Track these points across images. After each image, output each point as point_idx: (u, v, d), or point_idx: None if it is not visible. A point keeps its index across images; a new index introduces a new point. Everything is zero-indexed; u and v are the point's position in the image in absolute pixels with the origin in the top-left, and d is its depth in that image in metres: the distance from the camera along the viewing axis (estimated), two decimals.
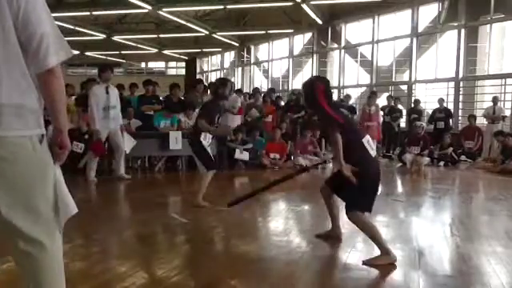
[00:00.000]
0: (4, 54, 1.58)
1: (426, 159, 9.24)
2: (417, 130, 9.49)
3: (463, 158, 10.27)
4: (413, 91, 13.71)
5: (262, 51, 21.33)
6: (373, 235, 3.31)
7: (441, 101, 11.24)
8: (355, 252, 3.48)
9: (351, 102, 12.50)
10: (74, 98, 9.07)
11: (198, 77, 23.76)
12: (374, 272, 3.04)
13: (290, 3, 14.01)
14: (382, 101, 12.07)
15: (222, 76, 23.58)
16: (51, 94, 1.65)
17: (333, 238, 3.84)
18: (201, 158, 5.02)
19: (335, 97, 14.27)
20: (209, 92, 9.95)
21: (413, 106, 11.92)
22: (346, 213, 3.35)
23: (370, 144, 3.38)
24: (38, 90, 1.65)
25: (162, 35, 20.02)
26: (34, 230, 1.68)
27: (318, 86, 3.50)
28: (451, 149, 9.89)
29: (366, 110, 8.58)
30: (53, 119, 1.71)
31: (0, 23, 1.56)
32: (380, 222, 4.69)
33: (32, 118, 1.64)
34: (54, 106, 1.67)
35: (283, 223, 4.72)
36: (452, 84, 12.64)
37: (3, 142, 1.59)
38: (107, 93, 6.83)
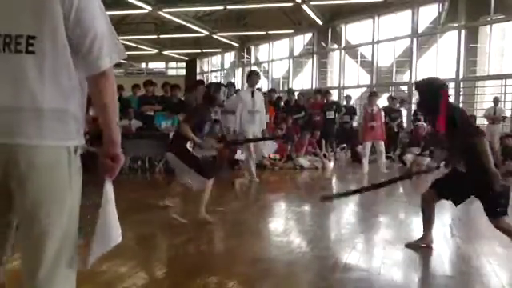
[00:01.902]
0: (52, 55, 1.43)
1: (427, 159, 9.22)
2: (418, 130, 9.49)
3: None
4: (413, 92, 13.71)
5: (262, 52, 21.34)
6: None
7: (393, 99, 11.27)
8: (355, 252, 3.48)
9: (351, 102, 12.51)
10: None
11: (198, 77, 23.78)
12: (375, 272, 3.04)
13: (291, 4, 14.02)
14: (382, 101, 12.08)
15: (223, 76, 23.61)
16: (103, 99, 1.48)
17: (426, 246, 3.59)
18: (196, 169, 4.33)
19: (335, 97, 14.28)
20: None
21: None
22: (492, 221, 3.22)
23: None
24: (82, 95, 1.51)
25: (162, 36, 20.03)
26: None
27: (444, 91, 3.42)
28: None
29: (367, 110, 8.54)
30: (104, 128, 1.52)
31: (50, 22, 1.41)
32: (380, 222, 4.70)
33: (74, 125, 1.48)
34: (106, 113, 1.50)
35: (283, 223, 4.71)
36: (452, 84, 12.63)
37: (41, 151, 1.42)
38: (253, 97, 6.92)
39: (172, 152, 4.47)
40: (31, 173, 1.40)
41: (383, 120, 8.90)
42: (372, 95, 9.02)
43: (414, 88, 3.82)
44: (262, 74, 21.29)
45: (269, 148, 8.21)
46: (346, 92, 16.12)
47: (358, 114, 11.72)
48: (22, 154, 1.39)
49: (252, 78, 7.14)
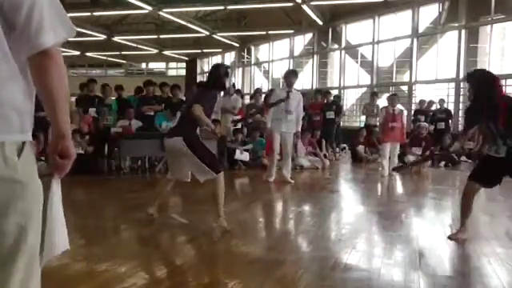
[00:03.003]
0: None
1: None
2: (420, 130, 9.46)
3: (463, 158, 10.27)
4: (413, 92, 13.72)
5: (263, 52, 21.35)
6: None
7: (441, 101, 11.24)
8: (355, 252, 3.48)
9: (352, 102, 12.51)
10: (74, 98, 9.07)
11: (198, 77, 23.79)
12: (375, 272, 3.04)
13: (291, 4, 14.02)
14: (382, 101, 12.08)
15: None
16: (47, 84, 1.23)
17: (465, 239, 3.82)
18: (206, 160, 3.89)
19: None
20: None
21: (419, 106, 11.90)
22: None
23: None
24: (26, 80, 1.24)
25: (162, 36, 20.04)
26: None
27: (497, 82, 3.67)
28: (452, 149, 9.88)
29: (389, 110, 8.38)
30: (51, 118, 1.30)
31: None
32: (380, 222, 4.70)
33: (13, 119, 1.21)
34: (50, 100, 1.26)
35: (283, 223, 4.72)
36: (452, 85, 12.65)
37: None
38: (288, 97, 6.83)
39: (181, 137, 3.87)
40: None
41: (405, 121, 8.74)
42: (393, 95, 8.89)
43: (466, 80, 3.91)
44: (261, 74, 21.44)
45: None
46: (346, 92, 16.17)
47: (345, 113, 11.54)
48: None
49: (289, 77, 7.04)
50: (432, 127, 10.86)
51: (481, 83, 3.69)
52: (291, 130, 7.00)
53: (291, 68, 14.99)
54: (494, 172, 3.74)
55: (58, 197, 1.40)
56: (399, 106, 8.80)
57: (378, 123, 10.96)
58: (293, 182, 7.02)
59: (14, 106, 1.21)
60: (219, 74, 4.08)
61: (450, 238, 3.89)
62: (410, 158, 9.04)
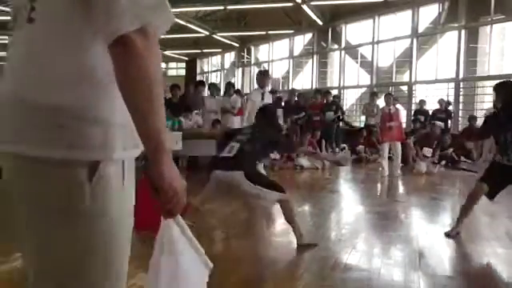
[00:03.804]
0: (43, 16, 0.93)
1: (437, 166, 9.10)
2: (434, 129, 9.44)
3: (463, 158, 10.27)
4: (413, 92, 13.72)
5: (263, 52, 21.34)
6: None
7: (441, 101, 11.24)
8: (355, 252, 3.48)
9: (352, 102, 12.51)
10: None
11: (198, 77, 23.78)
12: (375, 272, 3.04)
13: (291, 4, 14.01)
14: (381, 101, 12.08)
15: (223, 76, 23.60)
16: (125, 82, 0.92)
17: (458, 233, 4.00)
18: (267, 185, 3.62)
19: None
20: (208, 93, 9.98)
21: (419, 106, 11.90)
22: None
23: None
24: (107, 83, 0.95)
25: (162, 36, 20.01)
26: None
27: None
28: (451, 149, 9.89)
29: (385, 110, 8.41)
30: (138, 133, 0.94)
31: None
32: (381, 222, 4.70)
33: (89, 130, 0.93)
34: (131, 104, 0.93)
35: (283, 224, 4.71)
36: (452, 85, 12.64)
37: (23, 167, 0.94)
38: (262, 99, 6.61)
39: (241, 172, 3.55)
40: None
41: (402, 120, 8.74)
42: (388, 95, 8.91)
43: (493, 90, 4.17)
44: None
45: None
46: (346, 92, 16.17)
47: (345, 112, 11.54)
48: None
49: (259, 78, 6.88)
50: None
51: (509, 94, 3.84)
52: None
53: (265, 69, 14.94)
54: (501, 177, 3.90)
55: (181, 240, 1.08)
56: (397, 105, 8.81)
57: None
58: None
59: (84, 117, 0.93)
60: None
61: (446, 234, 3.98)
62: (422, 165, 8.80)
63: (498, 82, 4.28)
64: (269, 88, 6.92)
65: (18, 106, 0.94)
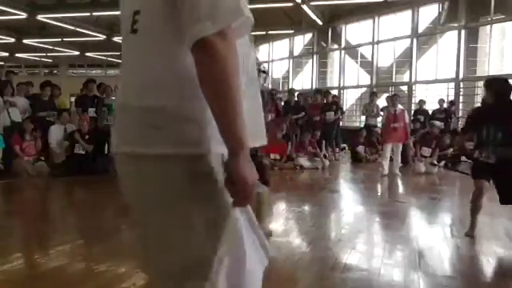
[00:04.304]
0: (145, 27, 1.06)
1: (436, 167, 9.09)
2: (433, 130, 9.43)
3: (463, 158, 10.26)
4: (413, 92, 13.72)
5: (262, 52, 21.34)
6: None
7: (441, 101, 11.23)
8: (355, 253, 3.48)
9: (352, 102, 12.50)
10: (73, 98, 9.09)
11: None
12: (374, 273, 3.04)
13: (290, 4, 14.01)
14: (381, 101, 12.09)
15: None
16: (206, 82, 0.99)
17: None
18: None
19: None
20: None
21: (418, 106, 11.90)
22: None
23: None
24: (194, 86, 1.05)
25: None
26: None
27: None
28: (451, 150, 9.89)
29: (390, 111, 8.37)
30: (219, 129, 1.02)
31: None
32: (380, 222, 4.70)
33: (188, 128, 1.04)
34: (212, 103, 1.00)
35: (283, 224, 4.71)
36: (452, 85, 12.65)
37: (135, 164, 1.08)
38: None
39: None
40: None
41: (407, 121, 8.73)
42: (393, 96, 8.88)
43: (484, 86, 4.18)
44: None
45: None
46: (347, 92, 16.17)
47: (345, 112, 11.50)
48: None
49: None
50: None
51: (505, 89, 3.88)
52: None
53: (264, 68, 14.92)
54: (483, 171, 3.91)
55: (241, 228, 1.14)
56: (400, 106, 8.79)
57: (377, 123, 10.96)
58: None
59: (179, 115, 1.04)
60: None
61: (466, 234, 3.97)
62: (421, 166, 8.81)
63: (487, 78, 4.34)
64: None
65: (131, 111, 1.08)
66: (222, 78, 0.98)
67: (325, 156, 9.82)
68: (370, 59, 15.18)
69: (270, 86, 6.34)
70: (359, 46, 15.78)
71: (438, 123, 9.86)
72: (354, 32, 16.07)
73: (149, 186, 1.08)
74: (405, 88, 14.31)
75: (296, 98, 11.33)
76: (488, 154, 3.80)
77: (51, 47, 20.11)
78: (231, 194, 1.05)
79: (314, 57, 17.38)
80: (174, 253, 1.09)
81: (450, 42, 12.81)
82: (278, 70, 20.03)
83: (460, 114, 12.60)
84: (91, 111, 8.25)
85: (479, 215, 4.00)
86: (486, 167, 3.84)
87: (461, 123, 12.26)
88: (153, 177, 1.07)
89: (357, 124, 14.30)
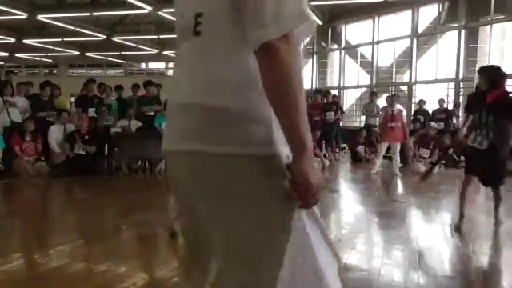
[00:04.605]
0: (208, 29, 1.07)
1: (437, 168, 9.07)
2: (429, 131, 9.44)
3: (463, 158, 10.24)
4: (413, 92, 13.72)
5: None
6: None
7: (441, 101, 11.23)
8: (355, 252, 3.48)
9: (351, 102, 12.50)
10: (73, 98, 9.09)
11: None
12: (374, 272, 3.04)
13: None
14: (381, 101, 12.09)
15: None
16: (270, 86, 1.01)
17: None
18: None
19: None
20: None
21: (418, 106, 11.91)
22: (494, 190, 4.17)
23: None
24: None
25: (162, 36, 20.02)
26: None
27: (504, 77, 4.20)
28: (451, 150, 9.88)
29: (388, 110, 8.42)
30: (283, 132, 1.05)
31: None
32: (380, 222, 4.70)
33: (257, 129, 1.05)
34: (276, 106, 1.03)
35: None
36: (452, 85, 12.65)
37: (201, 163, 1.07)
38: None
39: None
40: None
41: (405, 121, 8.75)
42: (392, 96, 8.91)
43: (478, 73, 4.48)
44: None
45: None
46: (347, 92, 16.18)
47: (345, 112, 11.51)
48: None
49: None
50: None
51: (499, 75, 4.18)
52: None
53: None
54: (477, 163, 4.13)
55: (313, 235, 1.17)
56: (398, 106, 8.81)
57: (377, 123, 10.97)
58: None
59: (244, 116, 1.05)
60: None
61: (456, 226, 4.17)
62: (421, 167, 8.81)
63: (482, 66, 4.68)
64: None
65: (194, 110, 1.07)
66: (286, 81, 1.00)
67: (325, 156, 9.82)
68: (369, 59, 15.18)
69: None
70: (359, 45, 15.78)
71: (434, 125, 9.85)
72: (354, 32, 16.08)
73: (214, 185, 1.08)
74: (405, 88, 14.31)
75: None
76: (482, 139, 4.01)
77: (51, 47, 20.10)
78: (298, 197, 1.07)
79: (314, 57, 17.37)
80: (246, 253, 1.09)
81: (449, 42, 12.81)
82: None
83: (460, 114, 12.60)
84: (91, 111, 8.24)
85: (479, 215, 4.01)
86: (478, 158, 4.08)
87: (461, 123, 12.26)
88: (219, 175, 1.07)
89: (357, 124, 14.29)
